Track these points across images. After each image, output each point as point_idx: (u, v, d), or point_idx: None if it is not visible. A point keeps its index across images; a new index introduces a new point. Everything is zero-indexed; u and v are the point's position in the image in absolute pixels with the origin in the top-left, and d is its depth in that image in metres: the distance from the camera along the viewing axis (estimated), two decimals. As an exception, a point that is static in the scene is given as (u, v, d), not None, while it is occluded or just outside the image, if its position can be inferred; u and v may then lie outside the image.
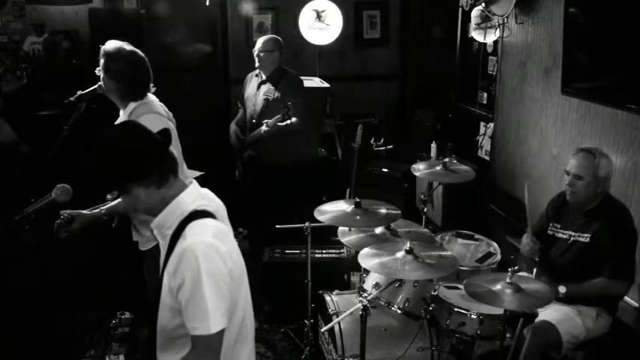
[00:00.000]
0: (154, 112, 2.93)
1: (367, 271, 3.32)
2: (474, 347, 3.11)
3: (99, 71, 2.94)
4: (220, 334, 1.78)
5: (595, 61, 3.73)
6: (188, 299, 1.75)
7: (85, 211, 2.81)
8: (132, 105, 2.94)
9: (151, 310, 1.91)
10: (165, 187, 1.86)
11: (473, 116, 5.50)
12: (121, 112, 3.09)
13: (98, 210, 2.85)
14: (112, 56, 2.88)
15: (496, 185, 5.06)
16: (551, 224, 3.26)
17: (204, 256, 1.75)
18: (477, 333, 3.00)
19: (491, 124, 5.14)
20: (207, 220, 1.85)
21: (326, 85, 5.66)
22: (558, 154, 4.13)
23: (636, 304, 3.36)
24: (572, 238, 3.11)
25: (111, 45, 2.90)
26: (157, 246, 2.00)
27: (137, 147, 1.86)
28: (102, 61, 2.90)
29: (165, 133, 1.94)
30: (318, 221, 3.27)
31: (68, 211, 2.76)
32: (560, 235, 3.19)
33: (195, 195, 1.92)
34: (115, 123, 3.06)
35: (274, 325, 4.13)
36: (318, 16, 5.96)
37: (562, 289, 2.97)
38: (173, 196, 1.88)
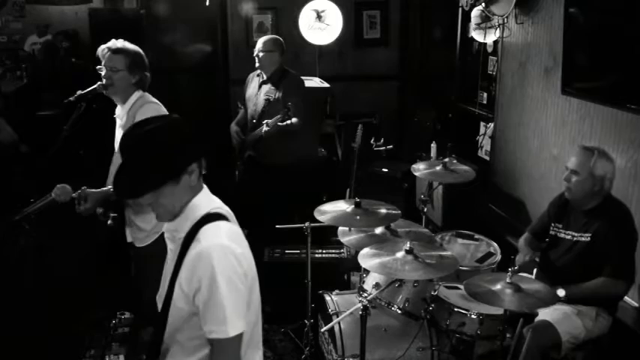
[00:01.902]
0: (152, 102, 3.05)
1: (367, 271, 3.32)
2: (474, 347, 3.11)
3: (113, 71, 2.97)
4: (239, 337, 1.76)
5: (595, 61, 3.73)
6: (205, 303, 1.72)
7: (95, 190, 2.88)
8: (135, 95, 3.04)
9: (158, 312, 1.87)
10: (192, 186, 1.83)
11: (473, 116, 5.50)
12: (119, 108, 3.12)
13: (107, 188, 2.89)
14: (137, 53, 3.03)
15: (496, 185, 5.06)
16: (552, 224, 3.26)
17: (220, 259, 1.72)
18: (477, 333, 3.01)
19: (491, 124, 5.14)
20: (221, 223, 1.83)
21: (326, 85, 5.66)
22: (558, 155, 4.13)
23: (636, 304, 3.36)
24: (574, 239, 3.11)
25: (123, 43, 3.03)
26: (156, 241, 1.99)
27: (183, 136, 1.83)
28: (123, 59, 2.98)
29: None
30: (318, 221, 3.27)
31: (84, 187, 2.84)
32: (562, 235, 3.19)
33: (208, 198, 1.90)
34: (115, 116, 3.11)
35: (274, 325, 4.13)
36: (318, 16, 5.96)
37: (561, 293, 2.96)
38: (192, 196, 1.85)
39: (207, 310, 1.72)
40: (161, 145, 1.77)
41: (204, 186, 1.92)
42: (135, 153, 1.78)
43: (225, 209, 1.92)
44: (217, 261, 1.72)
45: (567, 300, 3.00)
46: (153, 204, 1.81)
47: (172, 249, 1.90)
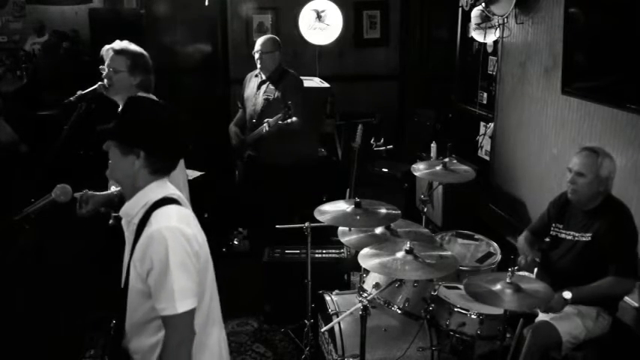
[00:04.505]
0: None
1: (367, 271, 3.31)
2: (474, 347, 3.11)
3: (114, 72, 2.97)
4: (189, 314, 1.84)
5: (595, 61, 3.73)
6: (157, 282, 1.82)
7: (97, 193, 2.87)
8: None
9: (118, 297, 1.96)
10: (135, 170, 1.92)
11: (473, 116, 5.50)
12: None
13: (110, 192, 2.88)
14: (139, 54, 3.03)
15: (496, 185, 5.06)
16: (553, 225, 3.25)
17: (171, 240, 1.81)
18: (477, 333, 3.00)
19: (491, 124, 5.14)
20: (172, 206, 1.92)
21: (326, 85, 5.66)
22: (558, 154, 4.13)
23: (636, 304, 3.36)
24: (575, 239, 3.10)
25: (126, 44, 3.03)
26: None
27: (176, 128, 1.99)
28: (124, 60, 2.98)
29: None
30: (318, 221, 3.27)
31: (86, 190, 2.83)
32: (563, 235, 3.18)
33: (162, 186, 1.98)
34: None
35: (274, 325, 4.13)
36: (318, 16, 5.96)
37: (567, 295, 2.93)
38: (146, 183, 1.95)
39: (159, 288, 1.82)
40: (140, 115, 1.95)
41: (165, 179, 2.00)
42: (133, 105, 2.02)
43: (177, 194, 2.01)
44: (168, 242, 1.81)
45: (573, 302, 2.99)
46: (109, 162, 1.96)
47: (128, 236, 2.00)
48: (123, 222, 2.02)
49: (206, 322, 1.98)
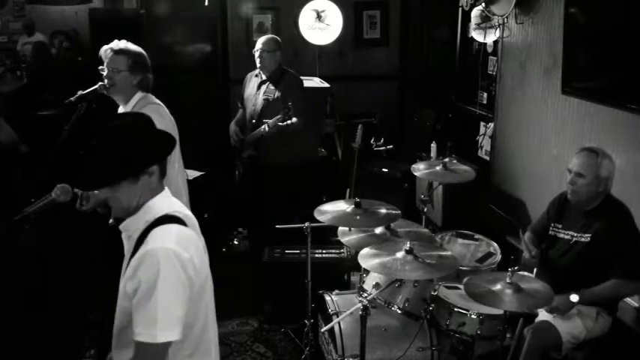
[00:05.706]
0: (155, 103, 3.07)
1: (367, 271, 3.32)
2: (474, 347, 3.11)
3: (114, 71, 2.97)
4: (166, 346, 1.71)
5: (595, 61, 3.73)
6: (139, 303, 1.70)
7: (97, 192, 2.86)
8: (137, 96, 3.06)
9: (111, 310, 1.90)
10: (151, 188, 1.84)
11: (473, 116, 5.50)
12: (121, 109, 3.13)
13: None
14: (139, 54, 3.06)
15: (496, 185, 5.06)
16: (552, 224, 3.25)
17: (164, 262, 1.70)
18: (477, 333, 3.00)
19: (491, 124, 5.14)
20: (173, 226, 1.81)
21: (326, 85, 5.66)
22: (558, 154, 4.13)
23: (636, 304, 3.36)
24: (573, 239, 3.10)
25: (125, 44, 3.04)
26: None
27: (148, 137, 1.87)
28: (125, 60, 3.00)
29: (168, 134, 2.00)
30: (318, 221, 3.27)
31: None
32: (561, 235, 3.18)
33: (166, 200, 1.89)
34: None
35: (274, 325, 4.13)
36: (318, 16, 5.96)
37: (574, 298, 2.93)
38: (150, 197, 1.86)
39: (140, 310, 1.70)
40: (126, 142, 1.80)
41: (166, 188, 1.93)
42: (101, 145, 1.81)
43: (183, 212, 1.90)
44: (160, 264, 1.70)
45: (580, 304, 2.98)
46: (109, 197, 1.84)
47: (128, 249, 1.90)
48: (123, 236, 1.94)
49: (195, 351, 1.85)
